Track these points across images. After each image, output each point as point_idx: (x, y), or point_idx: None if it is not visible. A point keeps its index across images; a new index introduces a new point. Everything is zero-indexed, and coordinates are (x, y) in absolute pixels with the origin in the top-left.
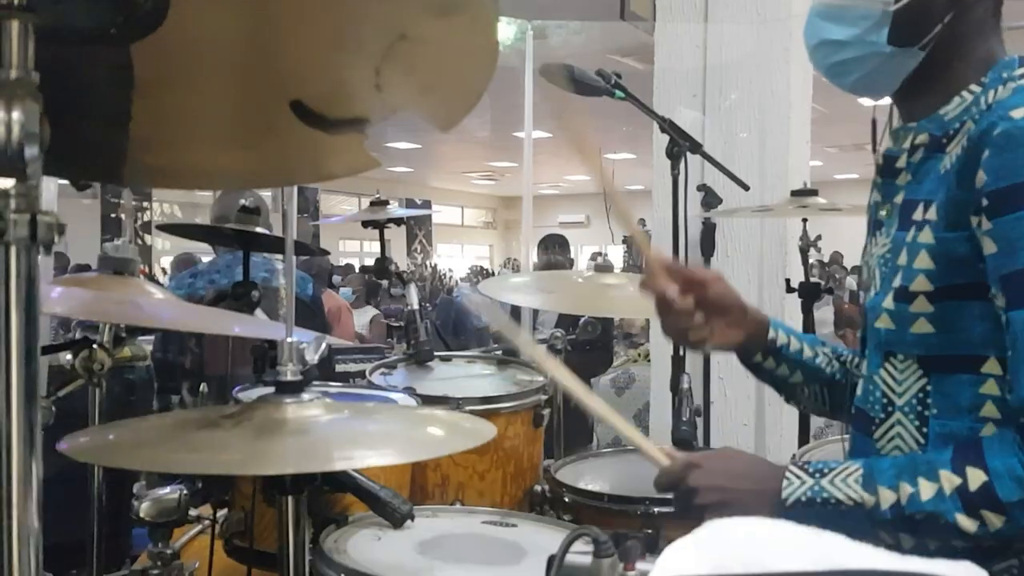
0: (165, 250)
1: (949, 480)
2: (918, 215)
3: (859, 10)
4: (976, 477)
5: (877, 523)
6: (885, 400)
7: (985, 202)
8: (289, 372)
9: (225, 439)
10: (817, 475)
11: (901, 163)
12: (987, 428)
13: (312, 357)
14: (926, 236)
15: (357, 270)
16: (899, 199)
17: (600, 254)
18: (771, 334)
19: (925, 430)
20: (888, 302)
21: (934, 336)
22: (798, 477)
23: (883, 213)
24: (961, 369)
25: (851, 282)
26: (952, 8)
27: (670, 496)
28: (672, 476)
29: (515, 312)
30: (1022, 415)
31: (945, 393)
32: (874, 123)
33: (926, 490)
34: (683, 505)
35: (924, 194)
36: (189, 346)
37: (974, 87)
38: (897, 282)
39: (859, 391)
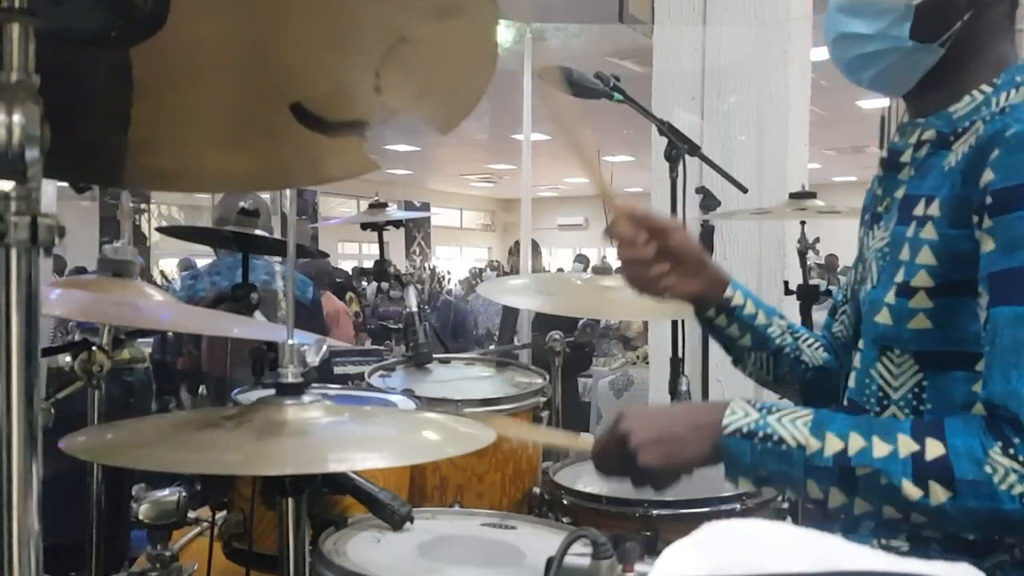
0: (167, 252)
1: (906, 444)
2: (919, 210)
3: (881, 4)
4: (934, 448)
5: (813, 469)
6: (881, 393)
7: (989, 200)
8: (290, 374)
9: (225, 439)
10: (764, 411)
11: (905, 158)
12: None
13: (313, 359)
14: (929, 232)
15: (350, 272)
16: (900, 193)
17: (584, 256)
18: (728, 292)
19: None
20: (889, 297)
21: (932, 332)
22: (743, 410)
23: (881, 208)
24: (956, 366)
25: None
26: (972, 6)
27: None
28: (606, 444)
29: (512, 313)
30: (993, 410)
31: (940, 389)
32: (882, 120)
33: (879, 448)
34: (625, 469)
35: (926, 190)
36: (188, 348)
37: (985, 87)
38: (899, 277)
39: (852, 383)
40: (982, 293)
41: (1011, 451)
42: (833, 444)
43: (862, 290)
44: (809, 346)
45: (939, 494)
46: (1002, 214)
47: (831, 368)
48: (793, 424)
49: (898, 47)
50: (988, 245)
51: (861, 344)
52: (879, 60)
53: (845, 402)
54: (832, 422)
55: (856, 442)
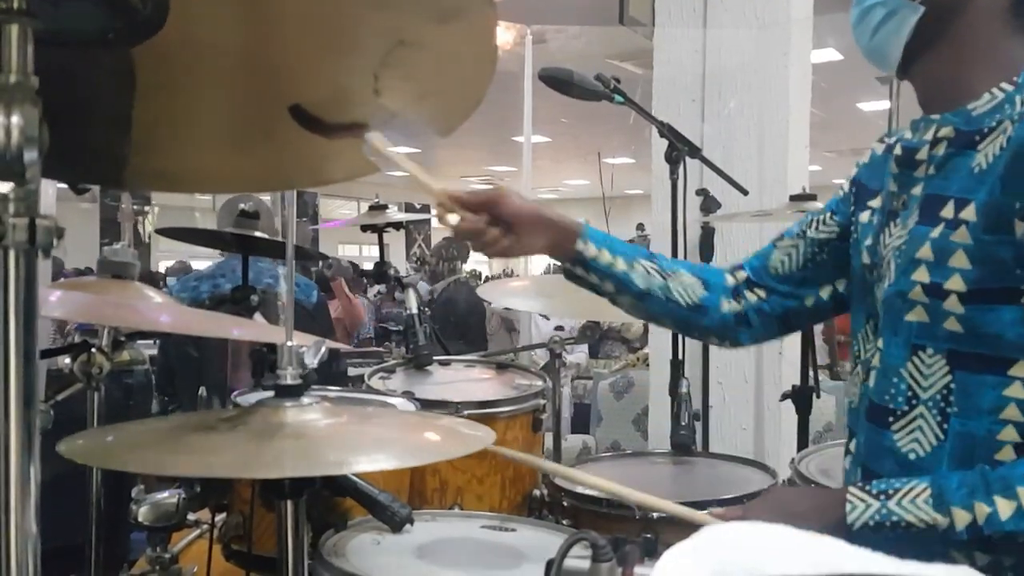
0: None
1: None
2: (947, 212)
3: None
4: None
5: (952, 544)
6: (910, 393)
7: None
8: (288, 376)
9: (222, 442)
10: (882, 497)
11: (921, 155)
12: (1007, 430)
13: (311, 361)
14: (962, 236)
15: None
16: (917, 191)
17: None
18: (579, 245)
19: (946, 426)
20: (921, 295)
21: (963, 336)
22: (862, 500)
23: (898, 204)
24: (988, 369)
25: None
26: None
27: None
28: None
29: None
30: None
31: (967, 393)
32: (890, 122)
33: (1004, 509)
34: None
35: (954, 191)
36: (188, 350)
37: (1005, 85)
38: (924, 278)
39: (873, 382)
40: None
41: None
42: (962, 518)
43: (878, 288)
44: (683, 285)
45: None
46: None
47: (708, 305)
48: (915, 505)
49: (879, 2)
50: None
51: (881, 343)
52: (871, 17)
53: (865, 402)
54: (952, 493)
55: (982, 510)
